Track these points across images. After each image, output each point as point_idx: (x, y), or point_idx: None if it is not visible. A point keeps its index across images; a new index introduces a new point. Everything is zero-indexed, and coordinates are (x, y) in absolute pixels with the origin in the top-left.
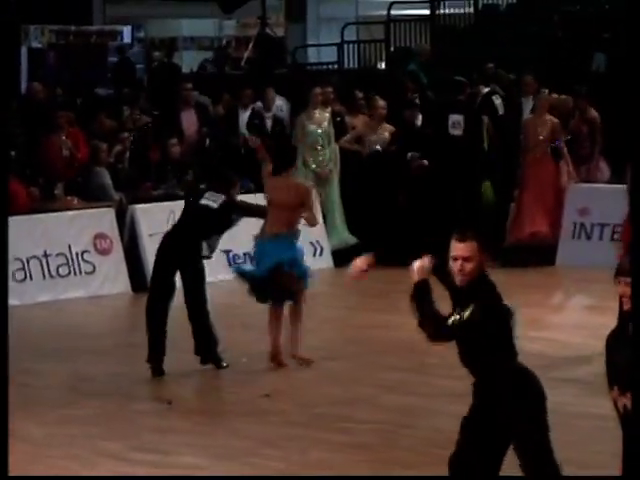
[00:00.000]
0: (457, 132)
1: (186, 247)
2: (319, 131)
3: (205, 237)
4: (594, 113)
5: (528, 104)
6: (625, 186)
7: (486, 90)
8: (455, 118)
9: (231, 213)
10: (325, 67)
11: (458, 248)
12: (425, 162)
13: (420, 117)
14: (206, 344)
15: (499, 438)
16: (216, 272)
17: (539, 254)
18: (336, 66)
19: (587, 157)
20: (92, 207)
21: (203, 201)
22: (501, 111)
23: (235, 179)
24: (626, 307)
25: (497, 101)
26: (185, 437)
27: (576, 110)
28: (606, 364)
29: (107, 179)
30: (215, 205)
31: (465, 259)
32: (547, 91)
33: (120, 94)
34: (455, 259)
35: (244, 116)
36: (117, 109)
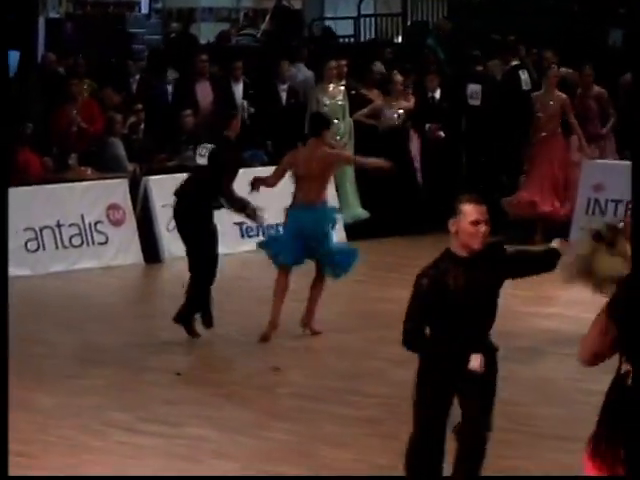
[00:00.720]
0: (475, 102)
1: (192, 212)
2: (334, 104)
3: (210, 197)
4: (599, 89)
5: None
6: None
7: (514, 63)
8: (473, 88)
9: (220, 159)
10: (342, 40)
11: (479, 211)
12: (442, 134)
13: (439, 90)
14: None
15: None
16: (229, 244)
17: (552, 230)
18: (352, 39)
19: (596, 135)
20: (105, 178)
21: (198, 160)
22: (526, 86)
23: (234, 112)
24: None
25: (523, 76)
26: (194, 409)
27: (579, 87)
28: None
29: (121, 150)
30: (204, 160)
31: (486, 222)
32: (556, 67)
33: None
34: (477, 222)
35: (238, 88)
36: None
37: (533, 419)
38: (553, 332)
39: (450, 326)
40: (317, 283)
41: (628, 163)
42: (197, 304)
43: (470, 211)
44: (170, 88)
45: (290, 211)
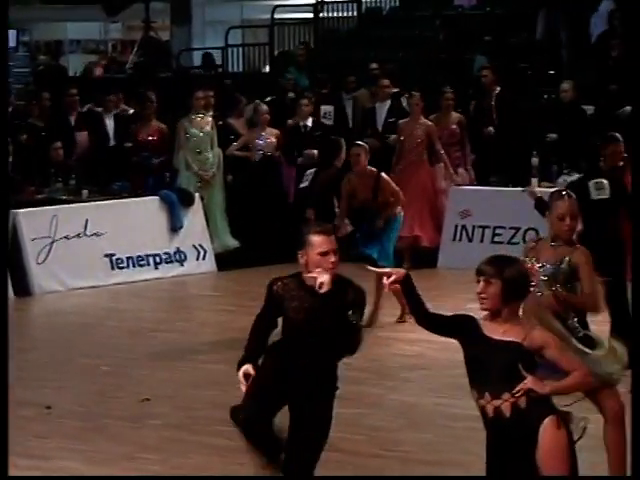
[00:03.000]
0: (329, 122)
1: None
2: (201, 135)
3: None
4: (458, 115)
5: (382, 109)
6: (507, 189)
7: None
8: (326, 109)
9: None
10: (211, 71)
11: (327, 241)
12: (314, 152)
13: (310, 118)
14: None
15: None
16: (99, 276)
17: (420, 256)
18: (220, 70)
19: (459, 160)
20: None
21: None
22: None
23: (341, 143)
24: (482, 306)
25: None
26: (64, 442)
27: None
28: (471, 370)
29: None
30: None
31: (335, 252)
32: (419, 94)
33: None
34: (326, 253)
35: (110, 121)
36: None
37: (400, 444)
38: (418, 358)
39: (290, 345)
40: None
41: (494, 189)
42: None
43: (318, 242)
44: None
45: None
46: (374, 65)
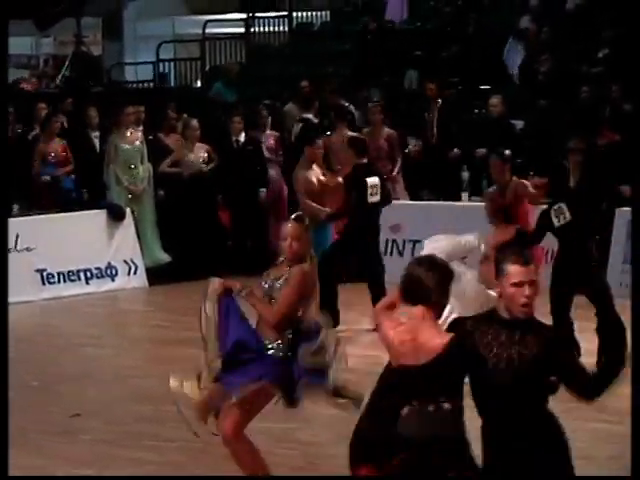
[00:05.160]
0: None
1: None
2: (132, 150)
3: None
4: (389, 130)
5: None
6: (438, 203)
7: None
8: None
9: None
10: (141, 85)
11: (524, 272)
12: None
13: (243, 133)
14: None
15: None
16: (30, 291)
17: (352, 271)
18: (152, 84)
19: (387, 175)
20: None
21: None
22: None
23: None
24: None
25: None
26: None
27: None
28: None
29: None
30: None
31: (530, 283)
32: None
33: None
34: (521, 284)
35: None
36: None
37: (330, 458)
38: (348, 371)
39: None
40: None
41: (425, 203)
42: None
43: (515, 272)
44: None
45: None
46: (305, 83)
